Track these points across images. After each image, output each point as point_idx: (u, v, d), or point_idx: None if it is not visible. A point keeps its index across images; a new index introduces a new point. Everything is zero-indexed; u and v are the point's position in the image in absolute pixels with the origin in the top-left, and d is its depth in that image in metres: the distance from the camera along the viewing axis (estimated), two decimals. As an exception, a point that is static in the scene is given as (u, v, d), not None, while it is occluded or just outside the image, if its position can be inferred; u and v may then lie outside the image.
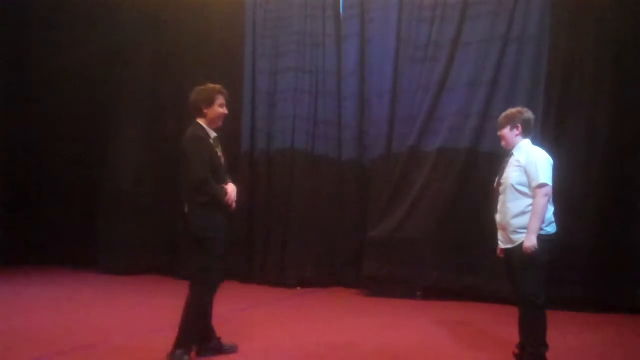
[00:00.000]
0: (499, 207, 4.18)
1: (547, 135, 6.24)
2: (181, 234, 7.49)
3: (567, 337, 5.05)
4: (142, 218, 8.35)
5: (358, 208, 7.66)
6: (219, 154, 4.24)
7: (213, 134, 4.24)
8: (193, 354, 4.27)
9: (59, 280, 7.78)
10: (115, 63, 8.61)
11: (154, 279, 8.01)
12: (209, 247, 4.11)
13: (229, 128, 4.43)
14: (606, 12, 6.42)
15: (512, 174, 4.10)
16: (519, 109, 4.29)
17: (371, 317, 6.01)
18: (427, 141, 7.07)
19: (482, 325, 5.68)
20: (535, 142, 4.29)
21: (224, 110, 4.26)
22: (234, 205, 4.25)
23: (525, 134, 4.20)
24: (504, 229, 4.13)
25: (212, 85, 4.27)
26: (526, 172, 4.04)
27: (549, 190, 3.99)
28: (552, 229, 4.06)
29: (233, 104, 4.42)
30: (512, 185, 4.06)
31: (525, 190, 4.03)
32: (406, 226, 7.00)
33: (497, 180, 4.28)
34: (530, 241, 3.93)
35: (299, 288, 7.50)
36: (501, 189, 4.19)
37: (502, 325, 5.33)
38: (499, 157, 4.59)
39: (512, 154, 4.18)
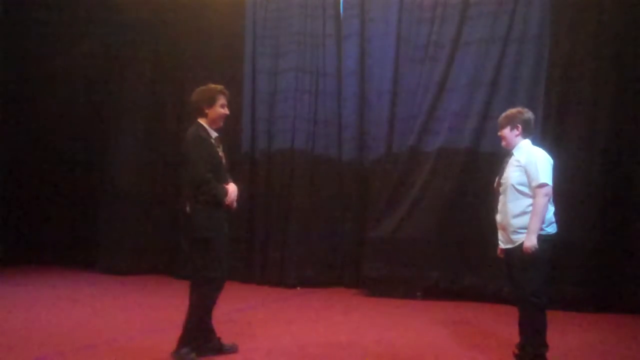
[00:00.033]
0: (499, 207, 4.19)
1: (547, 135, 6.25)
2: (181, 234, 7.48)
3: (567, 337, 5.05)
4: (142, 218, 8.36)
5: (358, 208, 7.66)
6: (220, 153, 4.26)
7: (214, 134, 4.26)
8: (170, 354, 4.27)
9: (59, 280, 7.78)
10: (115, 63, 8.61)
11: (154, 279, 8.02)
12: (211, 246, 4.13)
13: (229, 128, 4.44)
14: (606, 12, 6.41)
15: (512, 174, 4.10)
16: (519, 109, 4.29)
17: (371, 317, 6.01)
18: (427, 141, 7.07)
19: (482, 325, 5.68)
20: (535, 142, 4.29)
21: (225, 111, 4.27)
22: (235, 204, 4.27)
23: (525, 134, 4.20)
24: (504, 229, 4.13)
25: (213, 86, 4.28)
26: (526, 172, 4.04)
27: (549, 190, 3.99)
28: (552, 229, 4.06)
29: (233, 104, 4.43)
30: (512, 185, 4.07)
31: (526, 190, 4.03)
32: (406, 226, 7.00)
33: (497, 180, 4.28)
34: (530, 241, 3.93)
35: (299, 288, 7.50)
36: (501, 189, 4.19)
37: (502, 325, 5.33)
38: (499, 157, 4.59)
39: (512, 154, 4.18)
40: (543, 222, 3.98)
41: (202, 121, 4.24)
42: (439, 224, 6.87)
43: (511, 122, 4.20)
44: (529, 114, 4.24)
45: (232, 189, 4.24)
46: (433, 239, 6.86)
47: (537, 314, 4.01)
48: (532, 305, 4.00)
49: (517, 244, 4.02)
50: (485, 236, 5.17)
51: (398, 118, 7.31)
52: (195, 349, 4.18)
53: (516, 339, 4.19)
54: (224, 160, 4.30)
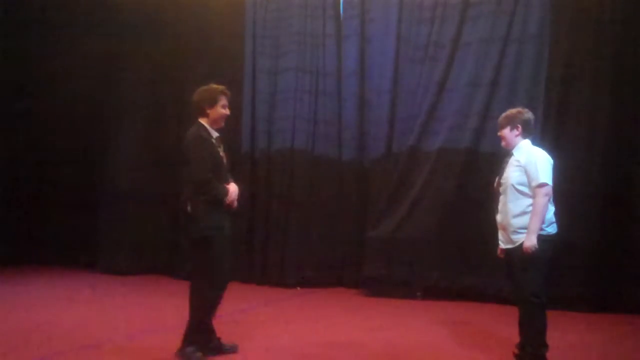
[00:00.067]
0: (500, 207, 4.19)
1: (547, 135, 6.24)
2: (182, 234, 7.47)
3: (567, 337, 5.05)
4: (142, 218, 8.35)
5: (358, 208, 7.65)
6: (221, 153, 4.28)
7: (215, 134, 4.27)
8: (174, 353, 4.28)
9: (59, 280, 7.78)
10: (115, 63, 8.60)
11: (154, 279, 8.01)
12: (212, 246, 4.13)
13: (229, 128, 4.45)
14: (606, 12, 6.41)
15: (512, 174, 4.10)
16: (518, 109, 4.30)
17: (371, 317, 6.01)
18: (427, 141, 7.07)
19: (482, 325, 5.68)
20: (535, 142, 4.30)
21: (226, 111, 4.29)
22: (236, 204, 4.28)
23: (525, 134, 4.21)
24: (505, 229, 4.14)
25: (215, 86, 4.30)
26: (526, 172, 4.04)
27: (549, 189, 3.99)
28: (552, 229, 4.06)
29: (233, 104, 4.43)
30: (512, 185, 4.07)
31: (526, 190, 4.03)
32: (406, 226, 7.00)
33: (497, 180, 4.28)
34: (530, 241, 3.94)
35: (299, 288, 7.50)
36: (501, 189, 4.19)
37: (502, 325, 5.33)
38: (499, 157, 4.59)
39: (512, 154, 4.19)
40: (543, 222, 3.98)
41: (203, 121, 4.25)
42: (439, 224, 6.87)
43: (511, 122, 4.21)
44: (528, 114, 4.24)
45: (232, 188, 4.25)
46: (433, 239, 6.86)
47: (537, 314, 4.01)
48: (532, 305, 4.00)
49: (517, 244, 4.02)
50: (485, 236, 5.16)
51: (398, 118, 7.31)
52: (200, 348, 4.19)
53: (516, 339, 4.20)
54: (224, 160, 4.31)
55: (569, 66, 6.52)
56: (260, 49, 7.94)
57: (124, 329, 5.20)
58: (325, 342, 4.91)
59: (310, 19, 7.78)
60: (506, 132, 4.22)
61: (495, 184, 4.31)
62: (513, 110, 4.29)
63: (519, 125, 4.19)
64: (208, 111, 4.23)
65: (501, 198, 4.18)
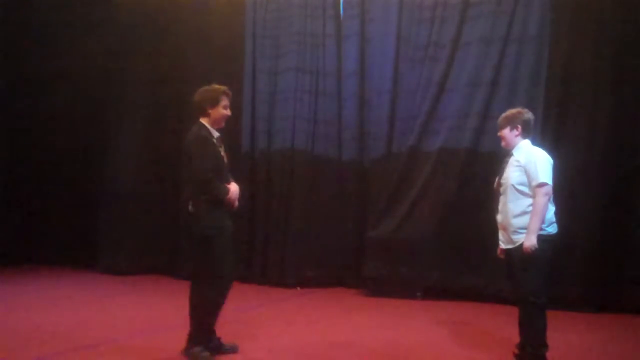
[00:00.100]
0: (500, 207, 4.19)
1: (547, 135, 6.24)
2: (182, 234, 7.47)
3: (567, 337, 5.05)
4: (142, 218, 8.34)
5: (358, 208, 7.65)
6: (222, 153, 4.29)
7: (216, 134, 4.29)
8: (179, 352, 4.28)
9: (59, 280, 7.78)
10: (115, 63, 8.60)
11: (154, 279, 8.01)
12: (214, 245, 4.14)
13: (229, 128, 4.45)
14: (606, 12, 6.42)
15: (512, 174, 4.10)
16: (518, 109, 4.30)
17: (371, 317, 6.01)
18: (427, 141, 7.07)
19: (482, 325, 5.68)
20: (535, 142, 4.30)
21: (227, 112, 4.31)
22: (237, 203, 4.28)
23: (525, 134, 4.21)
24: (505, 229, 4.14)
25: (217, 86, 4.31)
26: (526, 172, 4.04)
27: (548, 189, 3.99)
28: (552, 229, 4.06)
29: (233, 104, 4.44)
30: (513, 185, 4.07)
31: (526, 190, 4.04)
32: (406, 226, 7.00)
33: (497, 180, 4.29)
34: (530, 241, 3.94)
35: (299, 288, 7.50)
36: (501, 189, 4.19)
37: (502, 325, 5.33)
38: (499, 157, 4.59)
39: (512, 154, 4.19)
40: (543, 222, 3.98)
41: (204, 121, 4.26)
42: (439, 224, 6.87)
43: (511, 122, 4.21)
44: (528, 115, 4.25)
45: (233, 188, 4.26)
46: (433, 239, 6.86)
47: (537, 314, 4.01)
48: (532, 305, 4.00)
49: (517, 244, 4.03)
50: (485, 236, 5.17)
51: (398, 118, 7.31)
52: (207, 348, 4.20)
53: (516, 339, 4.20)
54: (225, 160, 4.32)
55: (569, 66, 6.52)
56: (260, 49, 7.94)
57: (124, 329, 5.20)
58: (325, 342, 4.92)
59: (310, 19, 7.78)
60: (506, 132, 4.23)
61: (495, 184, 4.31)
62: (513, 111, 4.29)
63: (519, 126, 4.19)
64: (209, 111, 4.24)
65: (501, 198, 4.19)
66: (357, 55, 7.59)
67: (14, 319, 5.51)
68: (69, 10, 8.66)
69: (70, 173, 8.78)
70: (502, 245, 4.21)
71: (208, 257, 4.17)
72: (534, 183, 3.99)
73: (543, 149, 4.19)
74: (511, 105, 4.85)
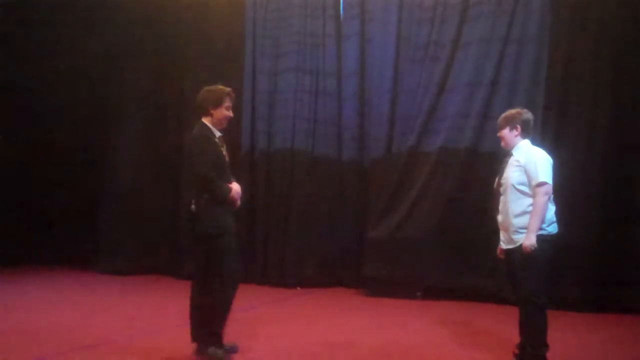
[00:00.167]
0: (500, 207, 4.19)
1: (547, 135, 6.24)
2: (183, 233, 7.48)
3: (567, 337, 5.05)
4: (142, 218, 8.34)
5: (358, 208, 7.65)
6: (224, 152, 4.30)
7: (218, 133, 4.30)
8: (192, 353, 4.29)
9: (59, 280, 7.78)
10: (115, 63, 8.60)
11: (154, 279, 8.01)
12: (219, 244, 4.15)
13: (229, 128, 4.45)
14: (606, 12, 6.42)
15: (512, 174, 4.11)
16: (518, 109, 4.31)
17: (371, 317, 6.01)
18: (427, 141, 7.07)
19: (482, 325, 5.68)
20: (535, 142, 4.30)
21: (229, 113, 4.33)
22: (239, 203, 4.29)
23: (525, 134, 4.22)
24: (506, 230, 4.14)
25: (221, 87, 4.32)
26: (526, 172, 4.05)
27: (548, 188, 3.99)
28: (553, 229, 4.06)
29: (233, 104, 4.44)
30: (513, 185, 4.07)
31: (526, 189, 4.04)
32: (406, 226, 7.00)
33: (497, 180, 4.29)
34: (529, 240, 3.94)
35: (299, 288, 7.50)
36: (501, 189, 4.20)
37: (502, 325, 5.33)
38: (499, 157, 4.60)
39: (512, 154, 4.19)
40: (543, 222, 3.98)
41: (206, 121, 4.28)
42: (439, 224, 6.87)
43: (510, 122, 4.21)
44: (528, 115, 4.25)
45: (235, 187, 4.28)
46: (433, 239, 6.86)
47: (537, 314, 4.01)
48: (533, 305, 4.00)
49: (517, 244, 4.02)
50: (485, 236, 5.17)
51: (398, 118, 7.30)
52: (222, 346, 4.21)
53: (516, 339, 4.20)
54: (227, 160, 4.33)
55: (569, 66, 6.52)
56: (260, 49, 7.94)
57: (124, 329, 5.20)
58: (325, 342, 4.91)
59: (310, 19, 7.78)
60: (505, 132, 4.23)
61: (495, 184, 4.31)
62: (512, 111, 4.30)
63: (518, 126, 4.19)
64: (212, 111, 4.25)
65: (501, 198, 4.19)
66: (357, 55, 7.60)
67: (14, 319, 5.51)
68: (69, 10, 8.66)
69: (70, 173, 8.78)
70: (503, 245, 4.21)
71: (212, 257, 4.18)
72: (533, 182, 3.99)
73: (543, 149, 4.19)
74: (511, 105, 4.86)
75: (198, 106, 4.31)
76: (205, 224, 4.15)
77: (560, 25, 6.57)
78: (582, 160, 6.36)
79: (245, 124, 7.89)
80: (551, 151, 4.27)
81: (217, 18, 8.12)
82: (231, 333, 4.65)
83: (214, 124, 4.27)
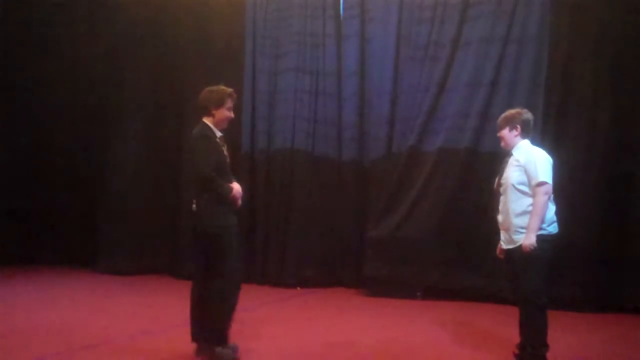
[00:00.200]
0: (501, 207, 4.19)
1: (547, 135, 6.24)
2: (184, 233, 7.48)
3: (567, 337, 5.05)
4: (142, 218, 8.35)
5: (358, 208, 7.65)
6: (225, 152, 4.31)
7: (219, 133, 4.32)
8: (192, 353, 4.29)
9: (59, 280, 7.78)
10: (115, 63, 8.60)
11: (154, 279, 8.01)
12: (222, 244, 4.15)
13: (229, 128, 4.46)
14: (606, 12, 6.42)
15: (512, 174, 4.11)
16: (517, 110, 4.31)
17: (371, 317, 6.01)
18: (427, 141, 7.07)
19: (482, 325, 5.68)
20: (535, 142, 4.31)
21: (231, 114, 4.34)
22: (240, 202, 4.30)
23: (524, 134, 4.22)
24: (507, 230, 4.14)
25: (223, 88, 4.33)
26: (526, 171, 4.05)
27: (548, 188, 4.00)
28: (553, 228, 4.06)
29: (234, 104, 4.44)
30: (513, 185, 4.07)
31: (526, 189, 4.04)
32: (406, 226, 7.00)
33: (497, 180, 4.29)
34: (529, 240, 3.94)
35: (299, 288, 7.50)
36: (501, 189, 4.20)
37: (502, 325, 5.33)
38: (499, 157, 4.59)
39: (512, 154, 4.19)
40: (543, 222, 3.98)
41: (207, 121, 4.29)
42: (439, 223, 6.87)
43: (510, 122, 4.22)
44: (527, 115, 4.25)
45: (236, 186, 4.28)
46: (433, 239, 6.86)
47: (538, 314, 4.01)
48: (533, 305, 4.00)
49: (518, 244, 4.03)
50: (485, 236, 5.17)
51: (398, 118, 7.30)
52: (228, 345, 4.22)
53: (516, 339, 4.20)
54: (228, 159, 4.34)
55: (569, 66, 6.52)
56: (260, 49, 7.94)
57: (124, 329, 5.20)
58: (325, 342, 4.91)
59: (310, 19, 7.78)
60: (505, 132, 4.24)
61: (495, 184, 4.31)
62: (512, 111, 4.30)
63: (518, 126, 4.20)
64: (213, 112, 4.27)
65: (502, 198, 4.19)
66: (357, 55, 7.59)
67: (14, 319, 5.51)
68: (69, 10, 8.66)
69: (70, 173, 8.78)
70: (504, 245, 4.20)
71: (214, 257, 4.18)
72: (533, 182, 3.99)
73: (543, 149, 4.19)
74: (511, 105, 4.85)
75: (200, 106, 4.32)
76: (206, 223, 4.16)
77: (560, 25, 6.57)
78: (582, 160, 6.36)
79: (245, 124, 7.89)
80: (551, 151, 4.27)
81: (217, 18, 8.12)
82: (231, 333, 4.65)
83: (215, 124, 4.29)
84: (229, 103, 4.29)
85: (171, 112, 8.32)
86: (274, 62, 7.90)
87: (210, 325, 4.22)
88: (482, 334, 5.31)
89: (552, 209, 4.07)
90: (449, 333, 5.32)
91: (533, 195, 3.99)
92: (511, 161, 4.17)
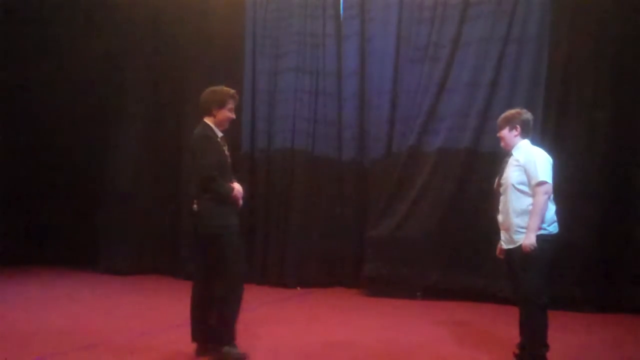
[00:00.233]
0: (501, 207, 4.19)
1: (547, 135, 6.24)
2: (185, 233, 7.48)
3: (567, 337, 5.05)
4: (142, 218, 8.35)
5: (358, 208, 7.65)
6: (226, 152, 4.31)
7: (219, 133, 4.32)
8: (192, 353, 4.29)
9: (59, 280, 7.78)
10: (115, 63, 8.61)
11: (154, 279, 8.01)
12: (223, 243, 4.15)
13: (229, 128, 4.46)
14: (606, 12, 6.42)
15: (512, 174, 4.11)
16: (517, 110, 4.32)
17: (371, 317, 6.01)
18: (427, 141, 7.07)
19: (482, 325, 5.68)
20: (535, 142, 4.30)
21: (232, 115, 4.35)
22: (241, 202, 4.30)
23: (524, 134, 4.22)
24: (507, 230, 4.14)
25: (225, 89, 4.34)
26: (525, 171, 4.05)
27: (548, 188, 4.00)
28: (554, 228, 4.06)
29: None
30: (513, 185, 4.07)
31: (526, 189, 4.04)
32: (406, 226, 7.00)
33: (497, 180, 4.29)
34: (529, 239, 3.94)
35: (299, 288, 7.50)
36: (501, 189, 4.20)
37: (502, 325, 5.33)
38: (499, 157, 4.59)
39: (512, 154, 4.19)
40: (543, 221, 3.98)
41: (208, 121, 4.29)
42: (439, 224, 6.87)
43: (510, 123, 4.22)
44: (527, 115, 4.26)
45: (237, 186, 4.29)
46: (433, 239, 6.86)
47: (538, 314, 4.01)
48: (533, 305, 4.00)
49: (518, 244, 4.03)
50: (485, 236, 5.17)
51: (398, 118, 7.31)
52: (235, 345, 4.22)
53: (516, 339, 4.20)
54: (229, 159, 4.34)
55: (569, 66, 6.52)
56: (260, 49, 7.94)
57: (124, 329, 5.20)
58: (325, 342, 4.91)
59: (310, 19, 7.78)
60: (505, 132, 4.24)
61: (495, 185, 4.31)
62: (512, 111, 4.31)
63: (518, 126, 4.20)
64: (215, 112, 4.27)
65: (502, 198, 4.19)
66: (357, 55, 7.60)
67: (14, 319, 5.51)
68: (69, 10, 8.66)
69: (71, 173, 8.78)
70: (504, 245, 4.20)
71: (216, 256, 4.18)
72: (533, 182, 4.00)
73: (543, 149, 4.19)
74: (511, 105, 4.86)
75: (201, 106, 4.33)
76: (207, 223, 4.16)
77: (560, 25, 6.57)
78: (582, 160, 6.36)
79: (245, 124, 7.88)
80: (551, 151, 4.27)
81: (217, 18, 8.12)
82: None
83: (216, 125, 4.29)
84: (231, 104, 4.30)
85: (171, 112, 8.32)
86: (274, 62, 7.90)
87: (217, 325, 4.23)
88: (482, 334, 5.31)
89: (552, 208, 4.07)
90: (449, 333, 5.31)
91: (533, 195, 4.00)
92: (511, 161, 4.17)
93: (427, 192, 6.99)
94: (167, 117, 8.39)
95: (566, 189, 5.62)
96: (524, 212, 4.02)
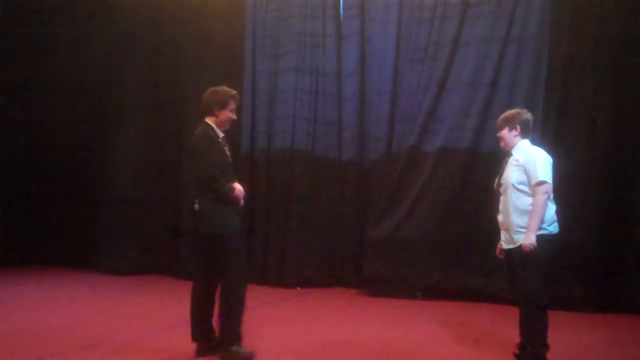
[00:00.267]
0: (501, 207, 4.19)
1: (547, 135, 6.24)
2: (186, 233, 7.47)
3: (567, 337, 5.05)
4: (142, 218, 8.34)
5: (358, 208, 7.65)
6: (227, 152, 4.32)
7: (221, 134, 4.33)
8: (192, 353, 4.29)
9: (59, 280, 7.78)
10: (114, 63, 8.60)
11: (154, 279, 8.01)
12: (225, 243, 4.15)
13: (230, 128, 4.47)
14: (606, 12, 6.41)
15: (511, 174, 4.11)
16: (517, 110, 4.32)
17: (371, 317, 6.01)
18: (427, 141, 7.07)
19: (482, 325, 5.68)
20: (535, 142, 4.31)
21: (233, 115, 4.36)
22: (242, 202, 4.31)
23: (524, 134, 4.22)
24: (507, 229, 4.14)
25: (227, 89, 4.35)
26: (525, 171, 4.05)
27: (548, 187, 4.00)
28: (554, 228, 4.07)
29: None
30: (513, 185, 4.08)
31: (526, 189, 4.04)
32: (406, 226, 7.00)
33: (496, 180, 4.29)
34: (529, 239, 3.94)
35: (299, 288, 7.50)
36: (501, 189, 4.20)
37: (502, 325, 5.33)
38: (499, 157, 4.59)
39: (512, 154, 4.20)
40: (543, 221, 3.99)
41: (209, 121, 4.30)
42: (439, 224, 6.87)
43: (509, 123, 4.22)
44: (527, 115, 4.26)
45: (238, 186, 4.29)
46: (433, 239, 6.85)
47: (538, 314, 4.01)
48: (533, 305, 4.00)
49: (518, 243, 4.03)
50: (485, 236, 5.17)
51: (398, 118, 7.31)
52: (241, 344, 4.23)
53: (516, 339, 4.20)
54: (230, 160, 4.35)
55: (569, 66, 6.52)
56: (260, 49, 7.93)
57: (124, 329, 5.20)
58: (325, 342, 4.92)
59: (310, 19, 7.78)
60: (505, 132, 4.24)
61: (495, 184, 4.31)
62: (512, 111, 4.31)
63: (518, 126, 4.20)
64: (216, 113, 4.28)
65: (502, 198, 4.19)
66: (357, 55, 7.59)
67: (14, 319, 5.51)
68: (69, 11, 8.66)
69: (70, 173, 8.78)
70: (504, 245, 4.20)
71: (217, 256, 4.18)
72: (533, 182, 4.00)
73: (543, 149, 4.20)
74: (511, 105, 4.86)
75: (203, 106, 4.33)
76: (209, 223, 4.17)
77: (560, 25, 6.57)
78: (582, 160, 6.36)
79: (245, 124, 7.87)
80: (551, 151, 4.27)
81: (217, 18, 8.12)
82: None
83: (217, 125, 4.30)
84: (232, 105, 4.31)
85: (171, 112, 8.32)
86: (274, 62, 7.89)
87: (222, 325, 4.23)
88: (482, 334, 5.31)
89: (552, 208, 4.07)
90: (449, 333, 5.31)
91: (533, 195, 4.00)
92: (511, 161, 4.17)
93: (427, 192, 6.99)
94: (167, 117, 8.38)
95: (566, 189, 5.62)
96: (524, 212, 4.02)
